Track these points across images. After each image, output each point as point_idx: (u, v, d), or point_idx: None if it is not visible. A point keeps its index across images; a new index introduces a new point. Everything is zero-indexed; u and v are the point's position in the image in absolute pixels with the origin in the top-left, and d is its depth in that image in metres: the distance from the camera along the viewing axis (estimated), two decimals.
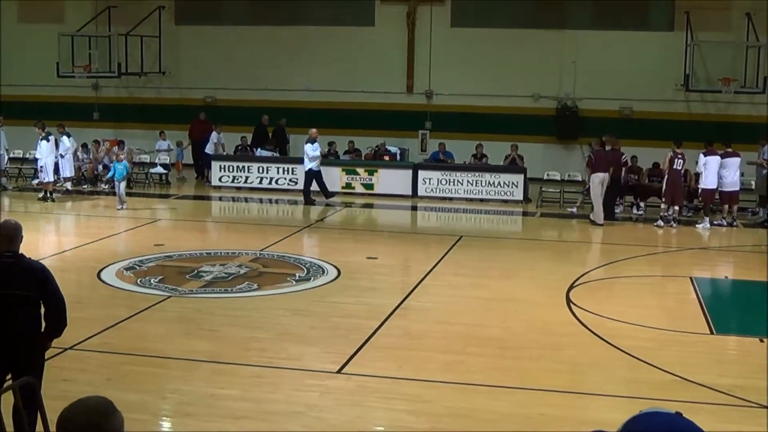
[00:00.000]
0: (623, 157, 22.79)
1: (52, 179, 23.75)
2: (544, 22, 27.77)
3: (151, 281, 15.31)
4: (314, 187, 24.31)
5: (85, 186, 26.02)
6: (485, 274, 16.50)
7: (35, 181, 25.11)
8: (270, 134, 28.42)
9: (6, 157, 26.62)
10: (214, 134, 27.62)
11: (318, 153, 24.16)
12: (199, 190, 27.32)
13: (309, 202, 24.16)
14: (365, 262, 17.38)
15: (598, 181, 21.83)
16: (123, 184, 22.78)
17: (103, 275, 15.68)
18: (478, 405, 9.85)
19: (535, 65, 27.94)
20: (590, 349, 11.96)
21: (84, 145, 26.72)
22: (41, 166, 23.71)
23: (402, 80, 29.00)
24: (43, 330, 8.07)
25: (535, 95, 28.07)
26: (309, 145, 24.09)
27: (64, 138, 24.65)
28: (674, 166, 21.67)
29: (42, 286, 7.93)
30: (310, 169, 24.07)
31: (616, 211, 22.84)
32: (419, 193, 25.37)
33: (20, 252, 8.11)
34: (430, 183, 25.36)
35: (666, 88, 26.97)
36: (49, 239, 20.44)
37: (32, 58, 30.62)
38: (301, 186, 25.39)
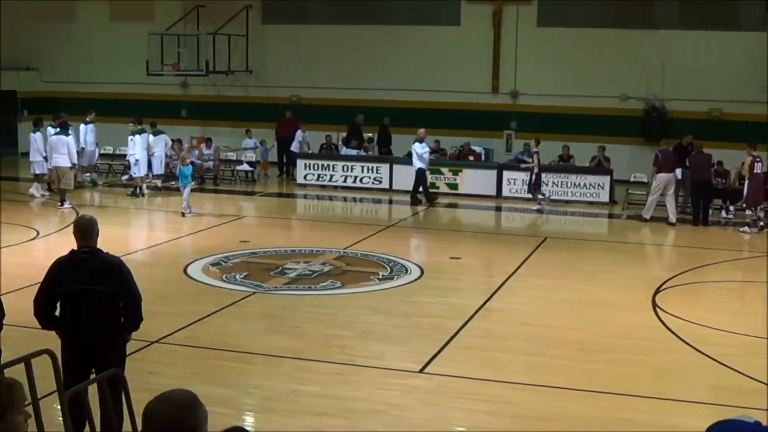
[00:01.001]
0: (712, 160, 22.43)
1: (143, 174, 24.13)
2: (632, 22, 27.40)
3: (237, 277, 15.49)
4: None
5: (173, 182, 26.39)
6: (569, 277, 16.35)
7: (125, 177, 25.56)
8: (376, 134, 28.38)
9: (97, 153, 27.12)
10: (299, 132, 27.81)
11: (427, 152, 24.16)
12: (284, 187, 27.54)
13: (415, 202, 24.13)
14: (449, 262, 17.35)
15: (663, 181, 21.85)
16: (187, 189, 21.86)
17: (189, 270, 15.90)
18: (559, 408, 9.78)
19: (623, 65, 27.58)
20: (675, 354, 11.79)
21: (174, 142, 27.12)
22: (135, 161, 24.09)
23: (487, 80, 28.87)
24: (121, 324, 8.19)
25: (622, 96, 27.72)
26: (417, 144, 24.08)
27: (160, 135, 25.06)
28: (755, 170, 21.25)
29: (118, 282, 8.01)
30: (419, 168, 24.05)
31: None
32: (504, 194, 25.23)
33: (98, 247, 8.22)
34: (514, 184, 25.20)
35: (757, 89, 26.40)
36: (138, 235, 20.80)
37: (123, 56, 31.18)
38: (385, 185, 25.48)
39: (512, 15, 28.33)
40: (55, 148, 22.75)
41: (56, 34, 32.59)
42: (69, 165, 22.74)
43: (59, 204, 22.30)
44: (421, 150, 23.98)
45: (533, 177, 23.87)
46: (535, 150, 24.08)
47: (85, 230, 8.19)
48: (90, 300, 7.91)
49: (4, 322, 8.25)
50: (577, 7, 27.87)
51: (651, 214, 22.28)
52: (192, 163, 26.89)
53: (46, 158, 23.83)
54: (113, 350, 8.09)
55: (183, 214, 21.44)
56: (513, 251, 18.49)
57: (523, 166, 24.67)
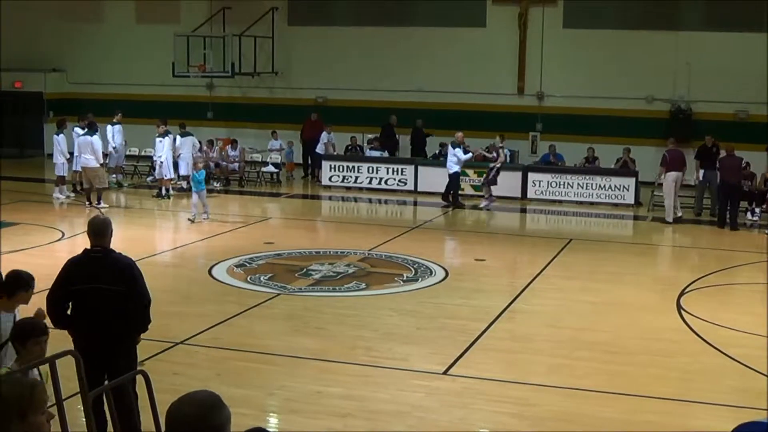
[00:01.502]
0: (743, 162, 22.32)
1: (169, 176, 24.24)
2: (658, 23, 27.26)
3: (261, 278, 15.53)
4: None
5: None
6: (594, 278, 16.31)
7: (150, 179, 25.69)
8: (400, 136, 28.38)
9: (123, 154, 27.27)
10: (324, 134, 27.86)
11: (469, 156, 24.13)
12: (309, 189, 27.58)
13: (458, 205, 24.10)
14: (473, 263, 17.35)
15: (672, 180, 22.10)
16: (203, 194, 21.16)
17: (214, 272, 15.96)
18: (583, 410, 9.75)
19: (649, 67, 27.44)
20: (700, 357, 11.73)
21: (210, 142, 27.20)
22: (160, 163, 24.20)
23: (513, 81, 28.80)
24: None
25: (648, 97, 27.59)
26: (458, 149, 24.00)
27: (188, 137, 25.19)
28: None
29: (129, 282, 8.07)
30: (455, 172, 24.03)
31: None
32: (529, 195, 25.17)
33: (110, 247, 8.29)
34: (540, 185, 25.14)
35: None
36: (163, 236, 20.90)
37: (149, 58, 31.32)
38: (410, 187, 25.50)
39: (538, 17, 28.25)
40: (82, 148, 22.92)
41: (82, 35, 32.78)
42: (96, 165, 22.87)
43: (96, 203, 22.52)
44: (463, 155, 23.94)
45: (492, 172, 24.00)
46: (501, 145, 24.39)
47: (99, 230, 8.27)
48: (101, 299, 7.97)
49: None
50: (603, 8, 27.76)
51: (673, 216, 22.25)
52: (217, 164, 27.08)
53: (69, 159, 24.03)
54: (122, 350, 8.14)
55: (191, 221, 20.91)
56: (538, 253, 18.45)
57: (491, 165, 24.24)
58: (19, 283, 7.81)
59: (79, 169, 23.78)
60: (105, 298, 7.97)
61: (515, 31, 28.47)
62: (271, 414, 9.84)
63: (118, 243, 8.37)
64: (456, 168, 23.97)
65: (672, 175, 22.17)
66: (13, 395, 3.58)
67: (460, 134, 24.28)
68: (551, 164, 26.30)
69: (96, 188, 22.81)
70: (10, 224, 19.59)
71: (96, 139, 23.03)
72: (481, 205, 23.68)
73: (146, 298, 8.22)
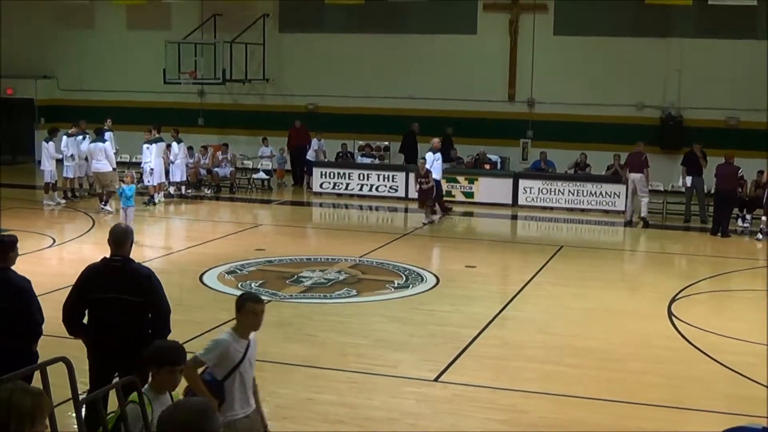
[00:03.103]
0: (740, 171, 22.37)
1: (156, 183, 24.19)
2: (649, 30, 27.32)
3: (252, 285, 15.52)
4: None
5: (189, 190, 26.46)
6: (585, 285, 16.32)
7: (140, 185, 25.65)
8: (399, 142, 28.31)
9: (114, 161, 27.23)
10: (314, 141, 27.85)
11: (439, 162, 23.98)
12: (300, 196, 27.56)
13: (446, 209, 24.09)
14: (464, 270, 17.34)
15: (630, 181, 22.83)
16: (130, 212, 19.49)
17: (205, 278, 15.94)
18: (575, 417, 9.75)
19: (639, 74, 27.50)
20: (691, 363, 11.75)
21: (189, 149, 27.16)
22: (150, 170, 24.18)
23: (504, 88, 28.82)
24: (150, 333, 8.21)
25: (638, 104, 27.64)
26: (430, 154, 23.97)
27: (174, 143, 25.18)
28: None
29: (148, 292, 8.04)
30: (437, 180, 23.96)
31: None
32: (520, 202, 25.19)
33: (130, 257, 8.26)
34: (531, 192, 25.17)
35: None
36: (153, 242, 20.85)
37: (140, 65, 31.30)
38: (401, 194, 25.49)
39: (528, 24, 28.30)
40: (93, 154, 23.30)
41: (73, 42, 32.73)
42: (110, 169, 23.34)
43: (101, 205, 22.90)
44: (430, 160, 23.86)
45: (430, 196, 22.79)
46: (427, 166, 22.83)
47: (119, 239, 8.25)
48: (118, 309, 7.94)
49: (42, 328, 8.35)
50: (594, 15, 27.83)
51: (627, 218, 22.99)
52: (209, 171, 27.05)
53: (60, 162, 24.19)
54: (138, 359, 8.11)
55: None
56: (529, 259, 18.47)
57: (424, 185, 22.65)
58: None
59: (82, 174, 24.70)
60: (122, 307, 7.93)
61: (506, 38, 28.51)
62: None
63: (106, 249, 8.33)
64: (437, 175, 23.89)
65: (630, 177, 22.85)
66: (26, 404, 3.64)
67: (436, 140, 24.22)
68: (542, 171, 26.33)
69: (105, 191, 23.17)
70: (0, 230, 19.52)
71: (108, 145, 23.55)
72: (427, 221, 22.64)
73: (166, 309, 8.20)
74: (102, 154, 23.23)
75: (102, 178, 23.26)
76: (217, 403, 6.78)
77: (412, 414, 9.74)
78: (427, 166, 23.76)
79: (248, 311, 7.29)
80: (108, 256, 8.21)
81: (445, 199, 24.36)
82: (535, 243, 21.05)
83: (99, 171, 23.24)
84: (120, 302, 7.95)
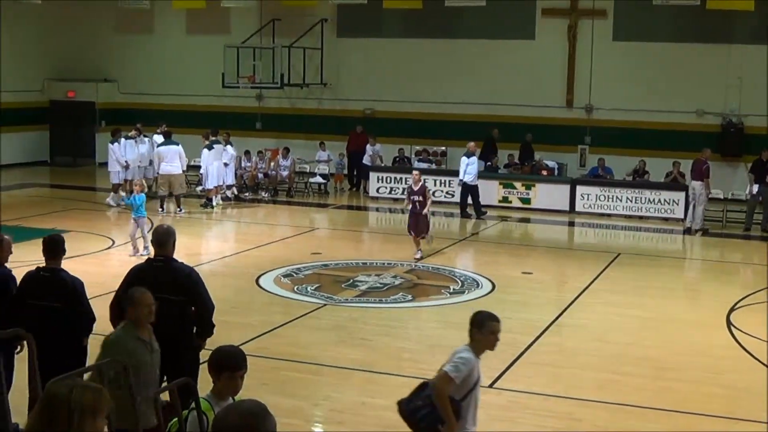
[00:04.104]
0: None
1: (213, 186, 24.36)
2: (709, 36, 26.98)
3: (308, 289, 15.58)
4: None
5: (246, 194, 26.63)
6: (643, 293, 16.15)
7: (199, 188, 25.85)
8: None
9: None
10: (369, 146, 27.88)
11: (474, 166, 24.02)
12: (357, 200, 27.62)
13: (465, 215, 24.12)
14: (520, 276, 17.26)
15: (691, 189, 22.78)
16: (142, 222, 18.05)
17: (261, 281, 16.03)
18: (630, 426, 9.66)
19: (699, 80, 27.17)
20: (749, 374, 11.58)
21: (247, 153, 27.34)
22: (206, 173, 24.36)
23: (562, 94, 28.65)
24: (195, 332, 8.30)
25: (698, 111, 27.31)
26: (465, 158, 24.03)
27: (228, 147, 25.37)
28: None
29: (190, 290, 8.13)
30: (464, 182, 24.00)
31: None
32: (577, 209, 25.00)
33: (172, 256, 8.35)
34: (588, 199, 24.97)
35: None
36: (210, 245, 21.02)
37: (199, 69, 31.59)
38: (457, 199, 25.41)
39: (587, 29, 28.11)
40: (165, 157, 23.51)
41: (134, 46, 33.14)
42: (180, 172, 23.65)
43: (177, 209, 23.29)
44: (464, 163, 23.85)
45: (425, 220, 18.76)
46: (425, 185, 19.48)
47: (161, 240, 8.38)
48: (162, 308, 8.03)
49: (93, 326, 8.50)
50: (654, 21, 27.55)
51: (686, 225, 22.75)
52: (266, 174, 27.19)
53: (126, 167, 24.42)
54: (183, 357, 8.19)
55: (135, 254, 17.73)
56: (586, 266, 18.31)
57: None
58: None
59: (140, 176, 24.85)
60: (165, 306, 8.03)
61: (564, 44, 28.34)
62: (317, 424, 9.86)
63: None
64: (465, 178, 23.84)
65: (690, 184, 22.79)
66: (88, 399, 3.70)
67: (471, 144, 24.17)
68: (600, 177, 26.10)
69: (176, 194, 23.47)
70: (61, 231, 19.79)
71: (181, 148, 23.79)
72: (417, 256, 18.52)
73: (208, 306, 8.29)
74: (175, 156, 23.50)
75: (174, 180, 23.44)
76: (456, 424, 6.74)
77: None
78: (461, 169, 23.72)
79: (489, 330, 7.19)
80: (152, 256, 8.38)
81: (502, 204, 24.29)
82: (592, 250, 20.88)
83: (171, 173, 23.40)
84: (162, 301, 8.05)
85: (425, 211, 18.42)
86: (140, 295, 7.31)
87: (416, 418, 6.91)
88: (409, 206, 18.68)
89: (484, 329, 7.12)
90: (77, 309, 8.41)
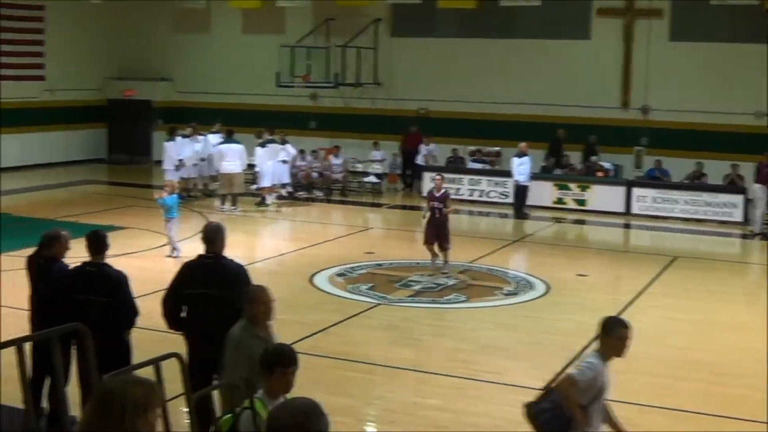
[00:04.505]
0: None
1: (267, 185, 24.44)
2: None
3: (361, 288, 15.57)
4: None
5: (301, 193, 26.70)
6: (700, 297, 15.94)
7: (254, 187, 25.96)
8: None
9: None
10: (423, 146, 27.84)
11: (526, 167, 23.90)
12: (410, 200, 27.56)
13: (520, 216, 23.99)
14: (575, 278, 17.10)
15: (756, 191, 22.57)
16: (174, 224, 17.74)
17: (315, 280, 16.05)
18: None
19: (758, 81, 26.73)
20: None
21: (301, 152, 27.41)
22: (261, 172, 24.46)
23: (617, 95, 28.39)
24: None
25: (757, 113, 26.89)
26: (516, 158, 23.92)
27: (288, 146, 25.49)
28: None
29: (236, 288, 8.14)
30: (517, 183, 23.89)
31: None
32: (633, 211, 24.73)
33: (222, 253, 8.39)
34: (644, 201, 24.70)
35: None
36: (265, 243, 21.10)
37: (253, 68, 31.74)
38: (512, 199, 25.24)
39: (644, 29, 27.80)
40: (226, 155, 23.64)
41: (191, 45, 33.39)
42: (240, 171, 23.74)
43: (232, 207, 23.37)
44: (518, 165, 23.76)
45: (445, 230, 17.33)
46: (445, 191, 17.88)
47: (210, 236, 8.43)
48: (212, 304, 8.08)
49: (137, 320, 8.56)
50: (711, 21, 27.19)
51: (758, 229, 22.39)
52: (320, 174, 27.24)
53: (179, 167, 24.57)
54: None
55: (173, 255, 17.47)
56: (641, 269, 18.09)
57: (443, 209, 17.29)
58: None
59: (196, 175, 25.46)
60: (213, 303, 8.08)
61: (620, 44, 28.07)
62: (369, 423, 9.84)
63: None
64: (518, 178, 23.74)
65: (756, 187, 22.47)
66: (139, 394, 3.73)
67: (523, 144, 24.05)
68: (656, 179, 25.80)
69: (235, 193, 23.56)
70: (118, 228, 19.99)
71: (242, 147, 23.91)
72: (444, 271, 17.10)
73: None
74: (236, 155, 23.60)
75: (234, 179, 23.54)
76: (583, 427, 6.71)
77: (519, 422, 9.58)
78: (513, 170, 23.58)
79: (618, 336, 7.03)
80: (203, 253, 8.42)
81: (556, 206, 24.13)
82: (648, 253, 20.63)
83: (232, 172, 23.49)
84: (210, 298, 8.09)
85: (446, 211, 17.04)
86: (258, 292, 7.33)
87: (541, 421, 6.87)
88: (428, 214, 17.27)
89: (612, 335, 6.99)
90: (121, 303, 8.49)
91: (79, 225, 18.56)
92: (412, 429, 9.39)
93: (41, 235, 9.42)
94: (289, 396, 6.02)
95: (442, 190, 17.27)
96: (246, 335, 7.19)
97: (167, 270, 13.81)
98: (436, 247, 17.10)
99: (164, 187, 18.34)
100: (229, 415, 5.87)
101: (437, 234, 17.02)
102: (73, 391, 7.69)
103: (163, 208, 17.83)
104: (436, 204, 17.02)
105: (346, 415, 9.34)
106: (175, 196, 18.00)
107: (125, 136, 33.73)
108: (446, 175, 26.57)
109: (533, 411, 7.02)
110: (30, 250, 9.64)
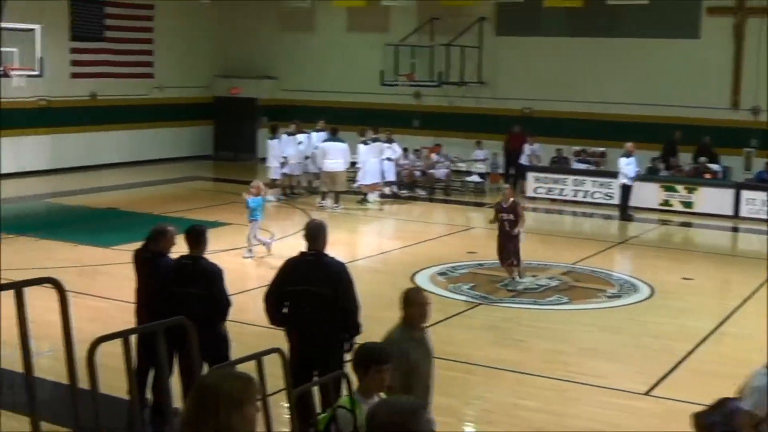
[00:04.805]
0: None
1: (369, 183, 24.55)
2: None
3: (463, 288, 15.54)
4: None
5: (404, 191, 26.74)
6: None
7: (356, 184, 26.13)
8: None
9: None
10: (527, 146, 27.66)
11: (632, 167, 23.54)
12: None
13: (626, 217, 23.66)
14: (680, 282, 16.80)
15: None
16: (254, 226, 17.54)
17: (417, 278, 16.06)
18: None
19: None
20: None
21: (404, 150, 27.46)
22: (362, 170, 24.58)
23: (727, 95, 27.78)
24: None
25: None
26: (624, 158, 23.59)
27: (394, 144, 25.59)
28: None
29: (336, 286, 8.20)
30: (623, 184, 23.58)
31: None
32: (741, 214, 24.17)
33: (323, 251, 8.46)
34: (754, 204, 24.11)
35: None
36: (366, 241, 21.21)
37: (357, 66, 31.92)
38: (616, 201, 24.89)
39: (756, 28, 27.15)
40: (329, 153, 23.83)
41: (296, 44, 33.72)
42: (343, 169, 23.92)
43: (335, 205, 23.55)
44: (624, 166, 23.40)
45: (514, 244, 16.13)
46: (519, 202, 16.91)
47: (312, 234, 8.52)
48: (312, 301, 8.15)
49: (229, 312, 8.71)
50: None
51: None
52: (423, 173, 27.25)
53: (283, 164, 24.87)
54: (334, 353, 8.27)
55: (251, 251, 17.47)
56: (750, 274, 17.66)
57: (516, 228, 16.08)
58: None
59: (300, 172, 25.81)
60: (314, 300, 8.15)
61: (730, 43, 27.45)
62: (468, 423, 9.82)
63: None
64: (623, 179, 23.39)
65: None
66: (235, 388, 3.76)
67: (629, 144, 23.65)
68: (766, 182, 25.15)
69: (337, 191, 23.74)
70: (222, 224, 20.32)
71: (346, 146, 24.07)
72: (517, 288, 15.97)
73: (353, 303, 8.33)
74: (339, 154, 23.74)
75: (336, 177, 23.69)
76: None
77: (619, 426, 9.50)
78: (620, 170, 23.23)
79: None
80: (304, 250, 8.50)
81: (662, 207, 23.74)
82: (757, 257, 20.11)
83: (335, 170, 23.65)
84: (311, 295, 8.16)
85: (516, 231, 15.79)
86: (414, 294, 7.41)
87: None
88: (497, 226, 16.17)
89: None
90: (216, 295, 8.65)
91: (185, 220, 18.90)
92: (509, 429, 9.34)
93: (148, 230, 9.65)
94: (384, 394, 6.04)
95: (510, 200, 16.13)
96: (403, 338, 7.20)
97: (275, 266, 14.00)
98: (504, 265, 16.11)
99: (250, 188, 17.97)
100: (326, 413, 5.92)
101: (504, 248, 15.98)
102: (175, 382, 7.85)
103: (247, 210, 17.63)
104: (504, 216, 15.95)
105: (446, 415, 9.33)
106: (260, 198, 17.74)
107: (231, 134, 34.26)
108: (550, 176, 26.56)
109: (704, 422, 6.80)
110: (137, 245, 9.87)
